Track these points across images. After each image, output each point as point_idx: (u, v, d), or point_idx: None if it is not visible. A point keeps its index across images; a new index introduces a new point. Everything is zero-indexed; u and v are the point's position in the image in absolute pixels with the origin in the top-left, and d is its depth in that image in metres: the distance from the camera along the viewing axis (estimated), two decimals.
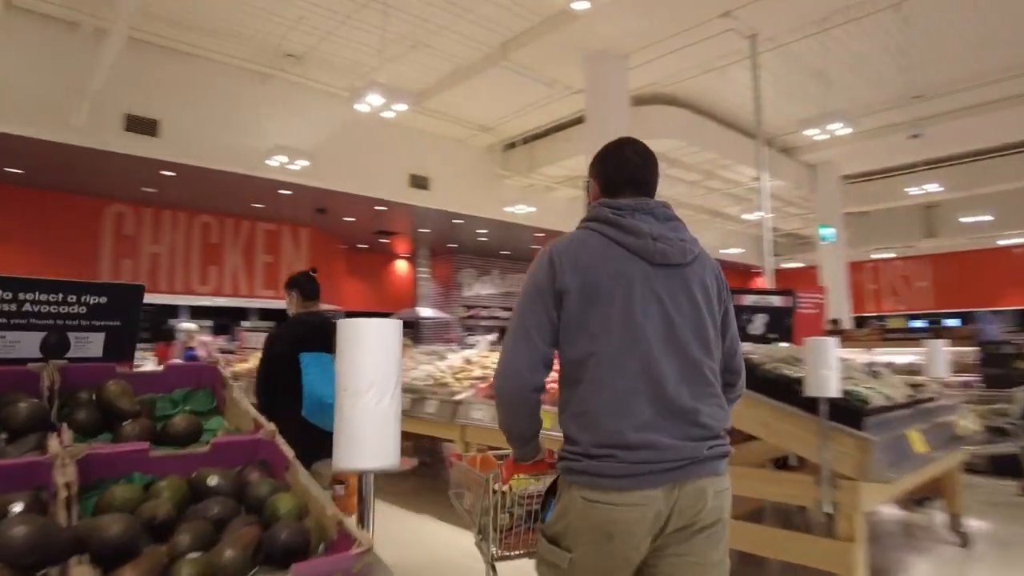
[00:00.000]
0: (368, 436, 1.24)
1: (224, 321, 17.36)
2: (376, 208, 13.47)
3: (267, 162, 10.34)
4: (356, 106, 8.28)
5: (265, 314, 18.11)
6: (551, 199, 15.14)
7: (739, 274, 23.49)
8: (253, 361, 9.37)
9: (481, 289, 20.08)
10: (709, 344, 1.59)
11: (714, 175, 14.17)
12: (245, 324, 17.81)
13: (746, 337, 4.50)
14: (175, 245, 13.73)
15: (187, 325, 9.15)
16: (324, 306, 3.81)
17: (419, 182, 12.82)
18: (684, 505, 1.47)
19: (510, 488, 1.99)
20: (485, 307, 20.06)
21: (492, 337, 9.39)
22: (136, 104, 9.70)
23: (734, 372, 1.73)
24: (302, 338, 3.26)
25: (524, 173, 13.71)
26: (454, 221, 14.79)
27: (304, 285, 3.55)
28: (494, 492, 1.97)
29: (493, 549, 1.99)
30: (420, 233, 16.25)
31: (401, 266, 19.23)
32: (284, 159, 10.29)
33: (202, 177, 11.08)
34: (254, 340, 13.14)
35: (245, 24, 9.28)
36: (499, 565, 2.04)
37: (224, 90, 10.42)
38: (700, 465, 1.50)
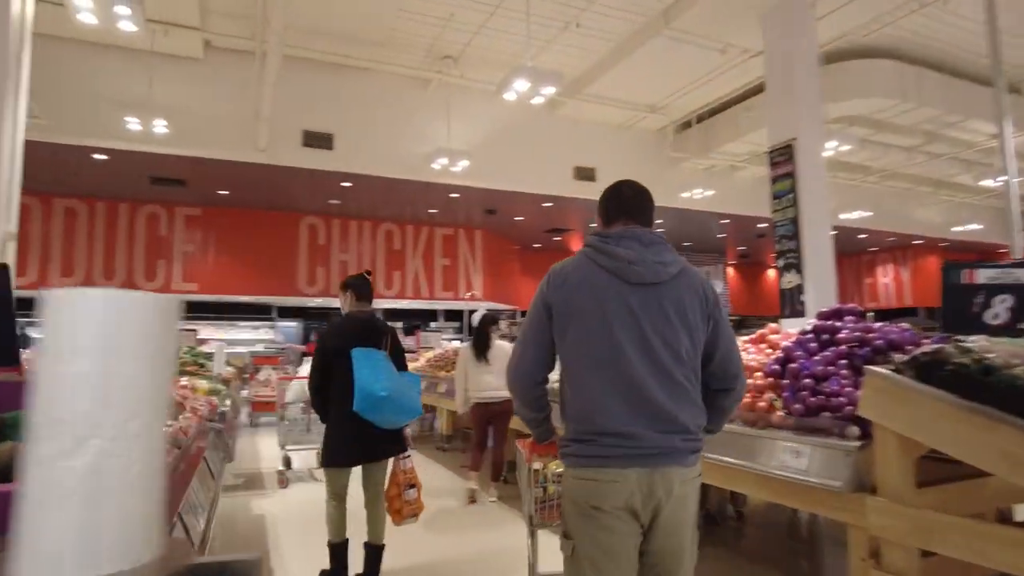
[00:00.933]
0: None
1: (416, 322, 18.31)
2: (543, 205, 13.14)
3: (431, 166, 10.45)
4: (504, 95, 7.93)
5: (450, 315, 18.79)
6: (735, 180, 13.65)
7: (977, 257, 19.48)
8: (423, 360, 9.51)
9: None
10: (680, 353, 1.83)
11: (938, 136, 11.70)
12: (433, 325, 18.61)
13: (982, 328, 3.27)
14: (361, 252, 14.61)
15: None
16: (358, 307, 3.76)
17: (585, 174, 12.23)
18: (655, 489, 1.73)
19: (544, 466, 2.32)
20: None
21: None
22: (311, 120, 10.34)
23: (729, 377, 1.94)
24: (353, 334, 3.44)
25: (701, 154, 12.48)
26: None
27: (358, 286, 3.72)
28: (529, 469, 2.34)
29: (530, 516, 2.39)
30: (591, 229, 15.62)
31: None
32: (445, 161, 10.32)
33: (375, 185, 11.57)
34: (432, 340, 13.53)
35: (400, 29, 9.41)
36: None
37: (388, 98, 10.74)
38: (670, 456, 1.76)
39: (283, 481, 6.08)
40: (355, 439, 3.34)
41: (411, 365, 9.45)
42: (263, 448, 7.92)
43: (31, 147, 9.25)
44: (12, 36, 5.04)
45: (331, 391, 3.38)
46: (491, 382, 5.69)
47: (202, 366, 5.89)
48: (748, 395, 3.29)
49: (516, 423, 5.65)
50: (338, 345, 3.38)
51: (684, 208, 13.22)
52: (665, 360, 1.80)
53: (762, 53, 8.64)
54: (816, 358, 3.02)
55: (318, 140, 10.41)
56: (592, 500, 1.74)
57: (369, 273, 3.85)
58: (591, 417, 1.79)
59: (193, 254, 13.31)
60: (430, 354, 9.75)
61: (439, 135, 10.76)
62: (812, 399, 2.85)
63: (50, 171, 10.81)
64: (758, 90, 10.12)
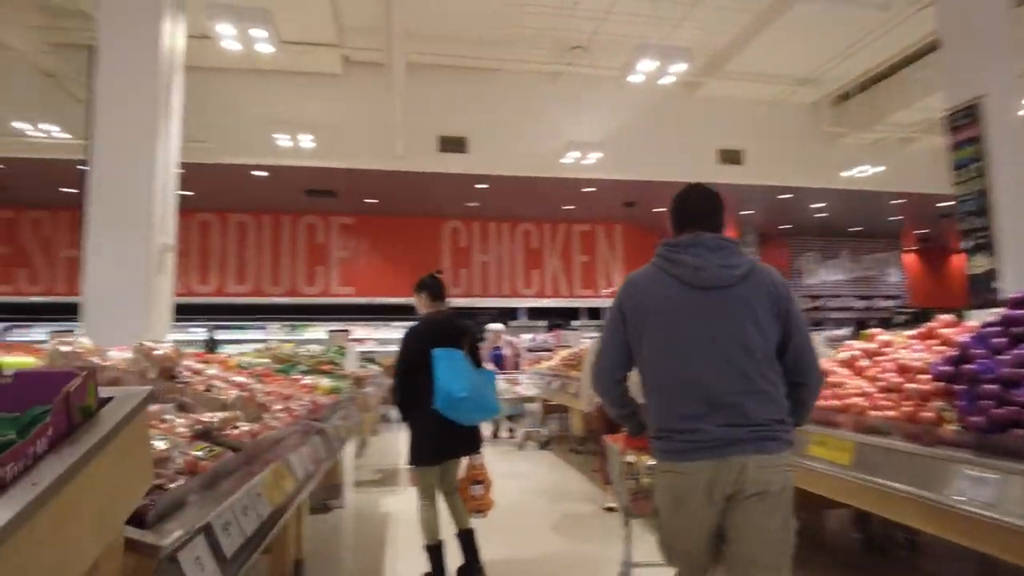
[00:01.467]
0: None
1: (559, 321, 18.17)
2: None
3: (561, 161, 10.22)
4: (630, 79, 7.51)
5: (592, 313, 18.44)
6: (908, 154, 11.97)
7: None
8: (557, 359, 9.30)
9: (827, 275, 17.17)
10: (749, 350, 1.92)
11: None
12: (575, 323, 18.35)
13: None
14: (501, 253, 14.73)
15: (494, 326, 9.51)
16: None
17: (730, 157, 11.34)
18: (727, 477, 1.85)
19: (636, 459, 2.45)
20: (834, 296, 17.09)
21: (844, 332, 7.60)
22: (446, 124, 10.53)
23: (802, 371, 2.02)
24: (434, 335, 3.51)
25: (865, 127, 11.07)
26: (780, 197, 12.79)
27: (432, 287, 3.78)
28: (622, 462, 2.48)
29: (623, 508, 2.53)
30: (743, 216, 14.51)
31: None
32: (577, 154, 10.04)
33: (509, 185, 11.56)
34: (572, 339, 13.29)
35: (525, 25, 9.26)
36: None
37: (518, 96, 10.65)
38: (739, 446, 1.86)
39: (413, 479, 6.13)
40: (440, 436, 3.45)
41: (545, 364, 9.34)
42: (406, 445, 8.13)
43: (201, 168, 10.34)
44: (162, 67, 5.52)
45: (418, 391, 3.42)
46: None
47: (336, 364, 6.12)
48: (910, 404, 2.68)
49: None
50: (421, 346, 3.44)
51: (850, 189, 11.82)
52: (732, 357, 1.90)
53: (933, 3, 7.39)
54: (1004, 357, 2.36)
55: (453, 144, 10.58)
56: (673, 489, 1.93)
57: (440, 272, 3.92)
58: (665, 414, 1.96)
59: (348, 260, 14.17)
60: (565, 352, 9.50)
61: (570, 129, 10.49)
62: (998, 410, 2.22)
63: (221, 189, 12.00)
64: (930, 48, 8.74)
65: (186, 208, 13.21)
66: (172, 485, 1.62)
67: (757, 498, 1.85)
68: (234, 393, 2.46)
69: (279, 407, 2.88)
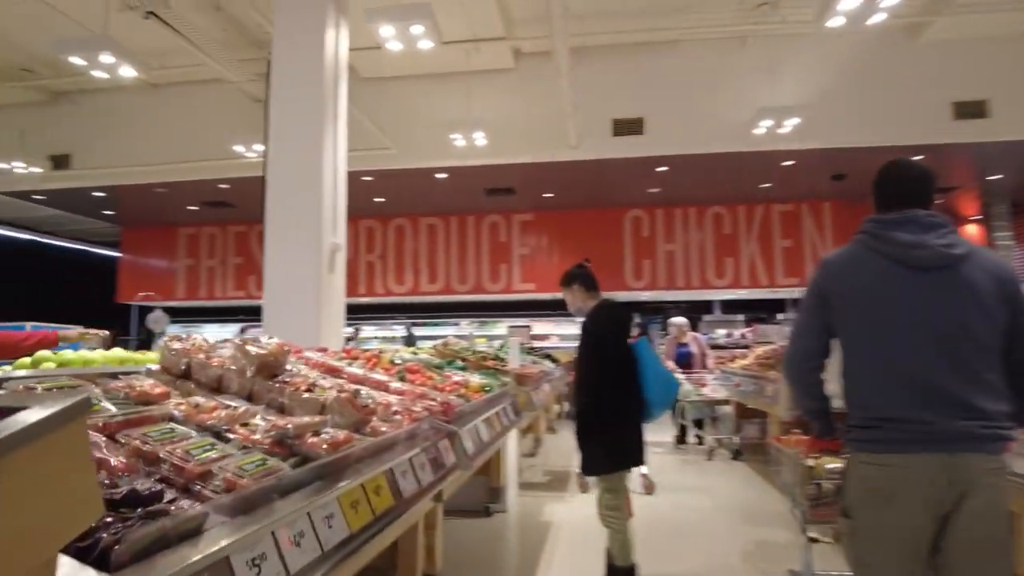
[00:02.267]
0: None
1: (760, 314, 16.60)
2: (913, 159, 10.41)
3: (753, 132, 9.10)
4: (830, 24, 6.34)
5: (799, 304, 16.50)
6: None
7: None
8: (751, 357, 8.26)
9: None
10: (973, 337, 1.76)
11: None
12: (779, 317, 16.60)
13: None
14: (688, 241, 13.70)
15: (678, 320, 8.69)
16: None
17: (969, 110, 9.31)
18: (955, 477, 1.67)
19: (818, 462, 2.36)
20: None
21: None
22: (619, 107, 9.95)
23: None
24: (626, 324, 3.26)
25: None
26: None
27: (585, 278, 3.48)
28: (800, 466, 2.39)
29: (801, 515, 2.41)
30: (989, 182, 11.91)
31: (969, 232, 14.62)
32: (770, 123, 8.86)
33: (693, 165, 10.64)
34: (772, 333, 11.91)
35: None
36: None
37: (699, 66, 9.74)
38: (968, 442, 1.69)
39: (583, 485, 5.71)
40: (636, 438, 3.20)
41: (739, 363, 8.34)
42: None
43: (390, 175, 10.89)
44: (327, 75, 5.70)
45: (609, 387, 3.16)
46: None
47: (501, 360, 5.89)
48: None
49: None
50: (617, 337, 3.22)
51: None
52: (955, 344, 1.75)
53: None
54: None
55: (627, 127, 9.98)
56: (879, 484, 1.77)
57: (588, 262, 3.57)
58: (875, 403, 1.81)
59: (529, 256, 14.15)
60: (761, 350, 8.40)
61: (761, 95, 9.32)
62: None
63: (410, 194, 12.58)
64: None
65: (383, 214, 14.32)
66: (194, 507, 1.36)
67: (984, 505, 1.67)
68: (332, 394, 2.22)
69: (396, 409, 2.60)
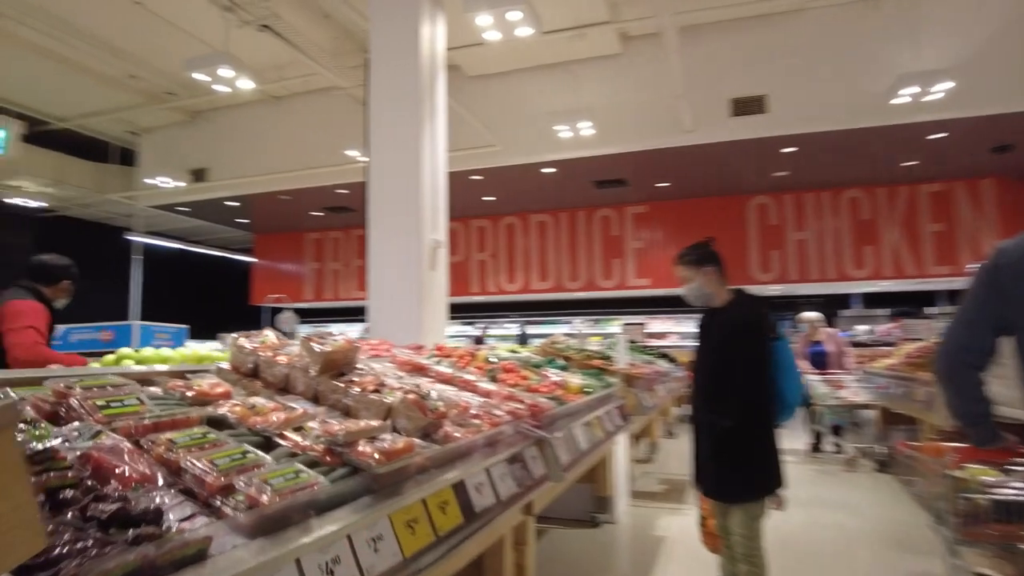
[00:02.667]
0: None
1: (909, 308, 14.94)
2: None
3: (892, 103, 8.07)
4: None
5: (954, 297, 14.63)
6: None
7: None
8: (897, 356, 7.30)
9: None
10: None
11: None
12: (930, 311, 14.87)
13: None
14: (822, 229, 12.52)
15: (809, 315, 7.86)
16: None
17: None
18: None
19: (970, 474, 2.00)
20: None
21: None
22: (738, 85, 9.22)
23: None
24: (768, 322, 2.72)
25: None
26: None
27: (718, 258, 2.86)
28: (947, 477, 2.01)
29: (950, 533, 2.04)
30: None
31: None
32: (915, 90, 7.81)
33: (824, 144, 9.67)
34: (921, 330, 10.58)
35: None
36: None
37: (828, 34, 8.81)
38: None
39: (780, 502, 5.21)
40: (778, 454, 2.77)
41: (884, 362, 7.40)
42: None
43: (497, 172, 10.80)
44: (423, 70, 5.59)
45: (751, 393, 2.69)
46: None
47: (608, 359, 5.52)
48: None
49: None
50: (765, 336, 2.71)
51: None
52: None
53: None
54: None
55: (748, 105, 9.22)
56: None
57: (712, 240, 2.96)
58: None
59: (643, 250, 13.57)
60: (911, 347, 7.40)
61: (902, 59, 8.27)
62: None
63: (519, 191, 12.44)
64: None
65: (493, 213, 14.30)
66: (208, 526, 1.17)
67: None
68: (398, 396, 2.01)
69: (475, 412, 2.36)
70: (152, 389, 1.89)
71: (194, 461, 1.34)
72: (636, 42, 9.58)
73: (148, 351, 2.40)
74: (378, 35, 5.76)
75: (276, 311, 15.30)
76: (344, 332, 2.66)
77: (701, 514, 3.07)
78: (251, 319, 16.53)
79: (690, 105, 8.91)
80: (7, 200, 13.37)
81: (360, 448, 1.64)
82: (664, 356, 8.91)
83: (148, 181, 12.08)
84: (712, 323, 2.88)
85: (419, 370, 3.13)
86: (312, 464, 1.58)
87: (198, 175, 12.32)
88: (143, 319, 14.14)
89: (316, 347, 2.12)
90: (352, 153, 10.40)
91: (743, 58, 9.14)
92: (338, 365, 2.17)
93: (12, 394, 1.05)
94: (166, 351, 2.42)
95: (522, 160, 10.35)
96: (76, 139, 12.72)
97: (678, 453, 7.39)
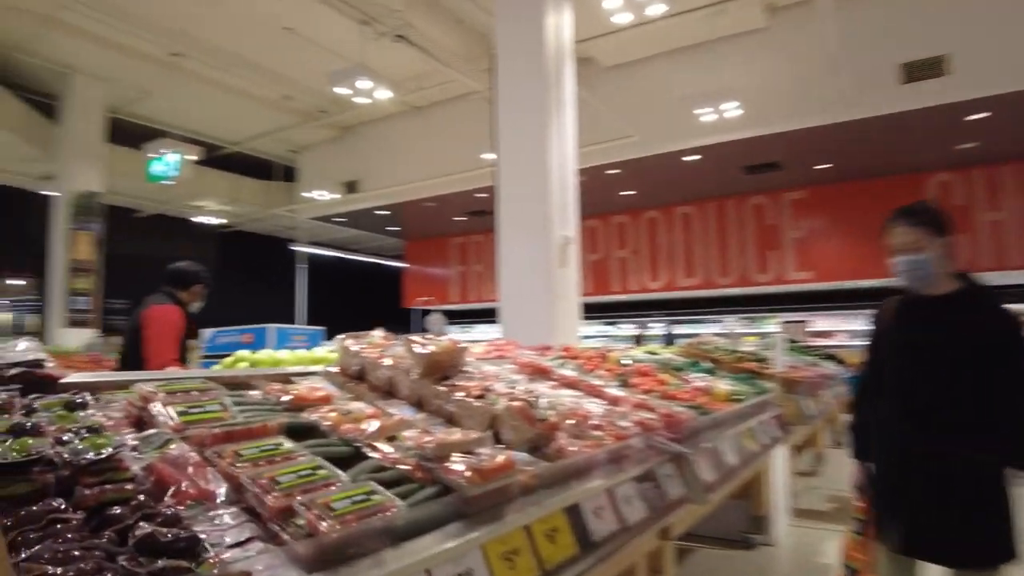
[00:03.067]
0: None
1: None
2: None
3: None
4: None
5: None
6: None
7: None
8: None
9: None
10: None
11: None
12: None
13: None
14: (1022, 207, 10.67)
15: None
16: None
17: None
18: None
19: None
20: None
21: None
22: (909, 49, 8.06)
23: None
24: None
25: None
26: None
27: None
28: None
29: None
30: None
31: None
32: None
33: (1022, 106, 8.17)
34: None
35: None
36: None
37: None
38: None
39: None
40: None
41: None
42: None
43: (635, 164, 10.35)
44: (548, 61, 5.38)
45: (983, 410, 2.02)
46: None
47: (763, 362, 4.95)
48: None
49: None
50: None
51: None
52: None
53: None
54: None
55: (923, 69, 8.04)
56: None
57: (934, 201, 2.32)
58: None
59: (804, 240, 12.39)
60: None
61: None
62: None
63: (660, 183, 11.86)
64: None
65: (633, 208, 13.78)
66: (263, 554, 1.01)
67: None
68: (503, 403, 1.78)
69: (596, 423, 2.07)
70: (252, 394, 1.82)
71: (255, 477, 1.20)
72: (784, 12, 8.72)
73: (264, 353, 2.39)
74: (503, 30, 5.64)
75: (425, 313, 15.88)
76: (484, 333, 2.49)
77: (851, 567, 2.27)
78: (404, 321, 17.32)
79: (851, 75, 7.93)
80: (194, 218, 15.09)
81: (452, 464, 1.43)
82: (830, 357, 8.00)
83: (306, 195, 13.02)
84: (934, 318, 2.12)
85: (541, 373, 2.90)
86: (400, 481, 1.40)
87: (350, 187, 13.08)
88: (308, 323, 15.32)
89: (418, 349, 1.95)
90: (491, 156, 10.45)
91: (914, 16, 7.98)
92: (442, 368, 1.99)
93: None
94: (281, 353, 2.39)
95: (662, 149, 9.82)
96: (246, 160, 14.05)
97: (848, 466, 6.53)
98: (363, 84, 7.46)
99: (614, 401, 2.63)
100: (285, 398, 1.79)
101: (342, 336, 2.18)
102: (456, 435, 1.55)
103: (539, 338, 4.36)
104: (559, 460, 1.74)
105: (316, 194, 12.47)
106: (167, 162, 8.53)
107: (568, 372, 2.90)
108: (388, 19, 7.76)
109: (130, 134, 11.45)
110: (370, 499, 1.20)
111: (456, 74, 9.23)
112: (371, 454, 1.54)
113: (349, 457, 1.56)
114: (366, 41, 8.14)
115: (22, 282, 14.10)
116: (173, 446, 1.30)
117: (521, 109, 5.38)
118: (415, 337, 2.03)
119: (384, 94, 7.73)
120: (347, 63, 9.13)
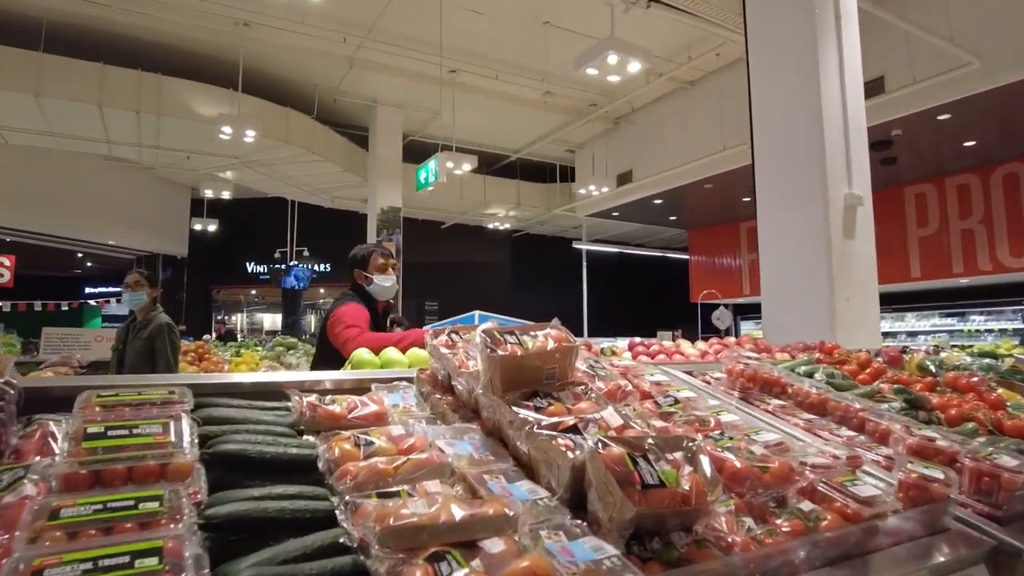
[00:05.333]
0: None
1: None
2: None
3: None
4: None
5: None
6: None
7: None
8: None
9: None
10: None
11: None
12: None
13: None
14: None
15: None
16: None
17: None
18: None
19: None
20: None
21: None
22: None
23: None
24: None
25: None
26: None
27: None
28: None
29: None
30: None
31: None
32: None
33: None
34: None
35: None
36: None
37: None
38: None
39: None
40: None
41: None
42: None
43: (974, 102, 7.89)
44: None
45: None
46: None
47: None
48: None
49: None
50: None
51: None
52: None
53: None
54: None
55: None
56: None
57: None
58: None
59: None
60: None
61: None
62: None
63: (1015, 126, 8.88)
64: None
65: (979, 164, 10.62)
66: None
67: None
68: (588, 446, 1.03)
69: (812, 483, 1.17)
70: (272, 405, 1.38)
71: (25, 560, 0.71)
72: None
73: (388, 352, 1.97)
74: None
75: (713, 307, 14.65)
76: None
77: None
78: (692, 316, 16.26)
79: None
80: (488, 226, 16.20)
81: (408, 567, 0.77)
82: None
83: (581, 191, 12.91)
84: None
85: (770, 385, 1.96)
86: None
87: (624, 178, 12.60)
88: (591, 320, 15.27)
89: (491, 351, 1.30)
90: None
91: None
92: (528, 380, 1.30)
93: None
94: (393, 354, 1.94)
95: (1020, 76, 7.24)
96: (527, 166, 14.56)
97: None
98: (612, 59, 6.85)
99: (883, 436, 1.61)
100: (309, 414, 1.31)
101: (430, 328, 1.64)
102: (481, 508, 0.88)
103: (815, 335, 3.27)
104: (693, 566, 0.93)
105: (590, 189, 12.25)
106: (427, 169, 9.15)
107: (808, 387, 1.91)
108: None
109: (424, 153, 12.72)
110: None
111: (726, 32, 8.07)
112: (341, 520, 0.96)
113: (324, 517, 1.01)
114: (618, 16, 7.54)
115: None
116: (22, 487, 0.89)
117: (780, 34, 4.22)
118: (501, 331, 1.37)
119: (635, 67, 7.01)
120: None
